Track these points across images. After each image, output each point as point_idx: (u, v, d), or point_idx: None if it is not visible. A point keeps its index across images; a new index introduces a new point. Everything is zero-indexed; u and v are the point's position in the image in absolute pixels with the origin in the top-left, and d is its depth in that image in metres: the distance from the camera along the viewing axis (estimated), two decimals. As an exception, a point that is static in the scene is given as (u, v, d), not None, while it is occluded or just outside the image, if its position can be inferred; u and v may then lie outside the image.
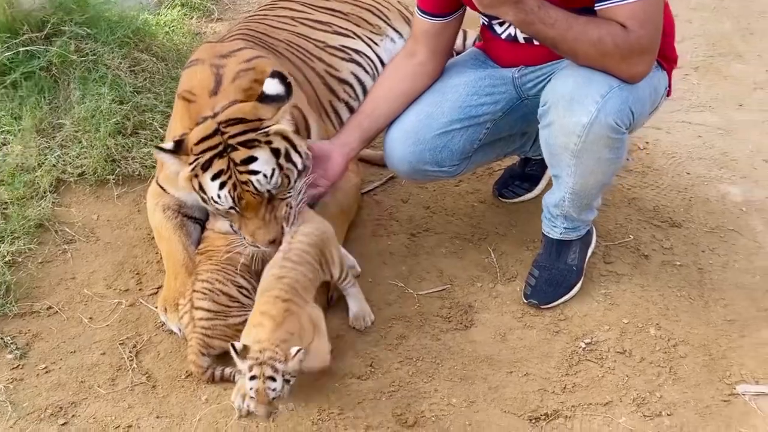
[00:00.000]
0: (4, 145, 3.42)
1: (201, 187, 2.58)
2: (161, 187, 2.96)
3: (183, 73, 2.90)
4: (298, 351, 2.19)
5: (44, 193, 3.22)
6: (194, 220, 2.98)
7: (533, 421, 2.41)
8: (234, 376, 2.49)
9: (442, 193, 3.31)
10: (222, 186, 2.53)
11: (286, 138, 2.61)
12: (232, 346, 2.19)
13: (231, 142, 2.53)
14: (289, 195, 2.63)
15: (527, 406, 2.46)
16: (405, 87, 2.79)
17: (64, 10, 3.65)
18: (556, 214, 2.75)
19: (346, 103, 3.41)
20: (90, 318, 2.77)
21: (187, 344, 2.57)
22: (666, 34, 2.62)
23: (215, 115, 2.58)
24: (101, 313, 2.79)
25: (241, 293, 2.63)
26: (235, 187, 2.53)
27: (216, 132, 2.55)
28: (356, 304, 2.73)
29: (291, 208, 2.62)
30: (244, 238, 2.61)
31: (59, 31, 3.61)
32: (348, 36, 3.57)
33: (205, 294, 2.58)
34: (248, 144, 2.53)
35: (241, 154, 2.52)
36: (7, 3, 3.54)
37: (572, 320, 2.74)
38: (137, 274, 2.95)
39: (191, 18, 4.63)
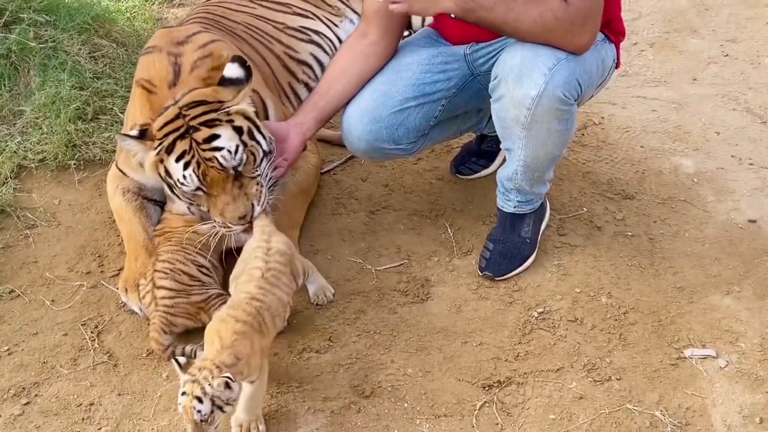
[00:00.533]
0: (-36, 132, 3.43)
1: (167, 172, 2.62)
2: (121, 171, 2.99)
3: (140, 60, 2.92)
4: (226, 377, 2.04)
5: (5, 179, 3.25)
6: (154, 202, 3.01)
7: (486, 388, 2.48)
8: (195, 353, 2.53)
9: (401, 171, 3.36)
10: (186, 166, 2.58)
11: (248, 118, 2.66)
12: (176, 360, 2.12)
13: (192, 123, 2.57)
14: (257, 173, 2.67)
15: (481, 374, 2.52)
16: (358, 67, 2.83)
17: (22, -3, 3.66)
18: (510, 187, 2.81)
19: (306, 84, 3.45)
20: (52, 300, 2.81)
21: (148, 324, 2.61)
22: (612, 7, 2.69)
23: (176, 102, 2.63)
24: (63, 296, 2.82)
25: (201, 272, 2.68)
26: (199, 165, 2.57)
27: (178, 116, 2.60)
28: (315, 281, 2.75)
29: (261, 187, 2.66)
30: (215, 221, 2.64)
31: (18, 19, 3.62)
32: (307, 17, 3.60)
33: (166, 273, 2.62)
34: (209, 123, 2.58)
35: (203, 133, 2.57)
36: (-37, -9, 3.55)
37: (526, 291, 2.81)
38: (99, 256, 2.98)
39: (152, 3, 4.62)
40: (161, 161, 2.61)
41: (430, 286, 2.84)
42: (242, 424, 2.30)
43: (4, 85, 3.53)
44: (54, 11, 3.72)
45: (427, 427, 2.37)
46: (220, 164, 2.56)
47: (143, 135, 2.62)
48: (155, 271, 2.64)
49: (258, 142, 2.67)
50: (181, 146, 2.58)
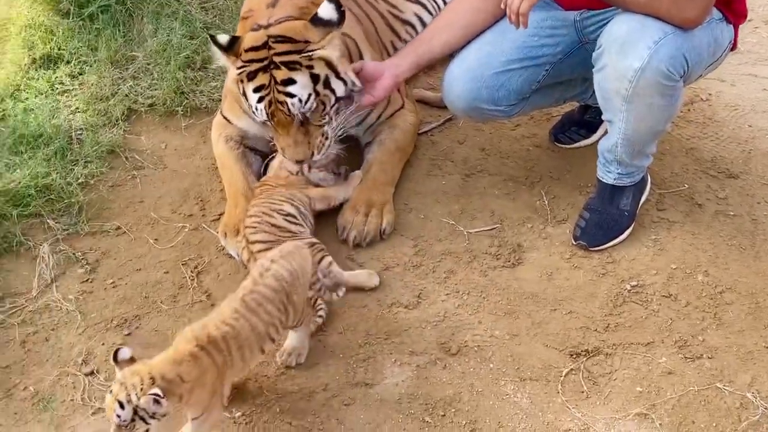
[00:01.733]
0: (81, 74, 3.58)
1: (244, 93, 2.72)
2: (225, 119, 3.08)
3: (245, 1, 2.99)
4: (154, 394, 1.92)
5: (116, 121, 3.38)
6: (255, 151, 3.10)
7: (574, 356, 2.48)
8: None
9: (499, 136, 3.34)
10: (260, 100, 2.67)
11: (329, 64, 2.70)
12: (115, 353, 2.02)
13: (276, 59, 2.64)
14: (324, 121, 2.73)
15: (569, 341, 2.52)
16: (466, 20, 2.82)
17: (140, -55, 3.78)
18: (610, 159, 2.77)
19: (408, 44, 3.45)
20: (155, 239, 2.92)
21: (245, 268, 2.69)
22: (733, -13, 2.61)
23: (268, 26, 2.69)
24: (166, 235, 2.94)
25: (289, 221, 2.72)
26: (270, 104, 2.66)
27: (265, 45, 2.66)
28: (297, 339, 2.46)
29: (326, 138, 2.73)
30: (279, 151, 2.77)
31: (135, -34, 3.74)
32: (413, -26, 3.60)
33: (255, 228, 2.69)
34: (290, 65, 2.65)
35: (282, 73, 2.64)
36: (87, -62, 3.68)
37: (620, 263, 2.78)
38: (201, 200, 3.09)
39: (262, -42, 4.69)
40: (242, 81, 2.70)
41: (522, 252, 2.84)
42: None
43: (119, 30, 3.67)
44: (169, -40, 3.83)
45: (511, 389, 2.39)
46: (289, 110, 2.65)
47: (231, 45, 2.68)
48: (245, 227, 2.72)
49: (332, 90, 2.72)
50: (261, 79, 2.66)
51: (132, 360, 2.02)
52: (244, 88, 2.70)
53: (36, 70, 3.58)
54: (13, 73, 3.53)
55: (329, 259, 2.66)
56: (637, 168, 2.80)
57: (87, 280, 2.77)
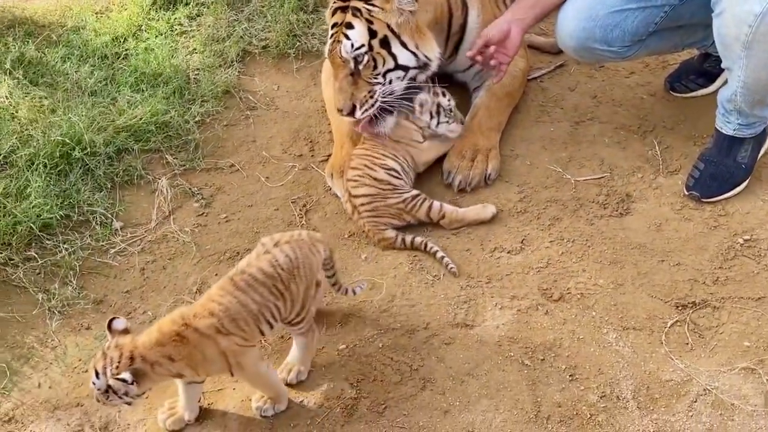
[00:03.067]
0: (198, 16, 3.69)
1: (329, 27, 2.84)
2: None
3: None
4: (122, 379, 1.96)
5: (231, 62, 3.48)
6: (365, 94, 3.14)
7: (680, 308, 2.44)
8: (425, 245, 2.64)
9: (611, 84, 3.27)
10: (331, 36, 2.78)
11: (389, 27, 2.75)
12: (109, 322, 2.06)
13: (351, 3, 2.75)
14: (377, 81, 2.77)
15: (675, 293, 2.48)
16: None
17: None
18: (730, 109, 2.67)
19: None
20: (267, 177, 3.01)
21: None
22: None
23: None
24: (277, 174, 3.03)
25: (391, 175, 2.75)
26: (334, 42, 2.76)
27: None
28: (300, 354, 2.33)
29: (371, 97, 2.76)
30: None
31: None
32: None
33: (356, 181, 2.74)
34: (354, 11, 2.75)
35: (348, 17, 2.75)
36: None
37: (733, 216, 2.69)
38: (310, 141, 3.15)
39: None
40: (330, 16, 2.82)
41: (631, 202, 2.79)
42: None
43: (235, -29, 3.75)
44: None
45: (613, 337, 2.38)
46: (339, 50, 2.73)
47: None
48: (347, 180, 2.77)
49: (392, 54, 2.76)
50: (337, 17, 2.79)
51: (126, 331, 2.05)
52: (329, 23, 2.83)
53: (156, 11, 3.70)
54: (135, 14, 3.67)
55: (438, 203, 2.69)
56: (759, 119, 2.69)
57: (202, 214, 2.89)
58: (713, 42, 2.92)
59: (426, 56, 2.83)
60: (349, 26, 2.73)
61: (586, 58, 2.88)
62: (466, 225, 2.74)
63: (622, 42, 2.75)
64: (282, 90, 3.41)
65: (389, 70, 2.79)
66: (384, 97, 2.79)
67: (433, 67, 2.86)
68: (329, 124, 3.15)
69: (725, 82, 2.72)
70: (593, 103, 3.19)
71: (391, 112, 2.82)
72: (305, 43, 3.54)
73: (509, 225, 2.74)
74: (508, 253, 2.65)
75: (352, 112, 2.77)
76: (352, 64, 2.75)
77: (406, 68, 2.81)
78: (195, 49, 3.54)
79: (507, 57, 2.82)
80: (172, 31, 3.63)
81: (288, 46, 3.51)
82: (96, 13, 3.75)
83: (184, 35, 3.62)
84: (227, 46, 3.52)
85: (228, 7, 3.66)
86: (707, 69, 3.15)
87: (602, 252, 2.62)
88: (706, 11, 2.70)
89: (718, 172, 2.73)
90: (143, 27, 3.63)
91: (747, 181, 2.76)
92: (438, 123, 2.86)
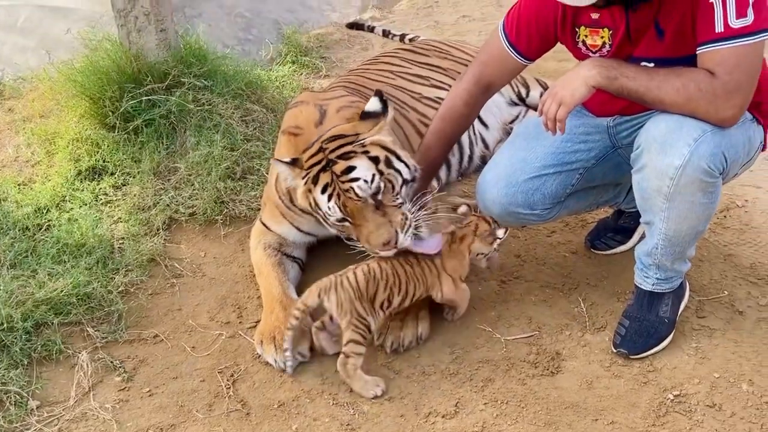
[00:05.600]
0: (124, 185, 3.70)
1: (316, 203, 2.79)
2: (265, 226, 3.15)
3: (286, 114, 3.13)
4: None
5: (157, 230, 3.46)
6: (293, 258, 3.15)
7: (617, 468, 2.40)
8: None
9: (534, 243, 3.36)
10: (330, 198, 2.74)
11: (385, 147, 2.79)
12: None
13: (331, 156, 2.75)
14: (399, 201, 2.78)
15: (612, 453, 2.45)
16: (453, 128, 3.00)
17: (185, 63, 3.95)
18: (649, 263, 2.75)
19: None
20: (192, 347, 2.93)
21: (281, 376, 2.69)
22: (763, 90, 2.64)
23: (320, 138, 2.81)
24: (203, 343, 2.95)
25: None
26: (339, 196, 2.72)
27: (320, 150, 2.78)
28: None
29: (407, 218, 2.76)
30: (365, 246, 2.75)
31: (179, 83, 3.90)
32: (444, 89, 3.72)
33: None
34: (346, 156, 2.74)
35: (340, 166, 2.72)
36: (134, 56, 3.86)
37: (661, 372, 2.72)
38: (238, 308, 3.11)
39: (301, 74, 4.88)
40: (310, 191, 2.78)
41: (561, 360, 2.79)
42: None
43: (162, 143, 3.80)
44: (212, 77, 3.99)
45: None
46: (357, 194, 2.70)
47: (294, 162, 2.81)
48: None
49: (397, 170, 2.79)
50: (324, 178, 2.75)
51: None
52: (313, 196, 2.78)
53: (81, 181, 3.70)
54: (59, 184, 3.65)
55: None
56: (676, 273, 2.78)
57: (124, 389, 2.77)
58: (625, 198, 3.08)
59: (414, 165, 2.86)
60: (349, 170, 2.71)
61: (510, 221, 2.97)
62: None
63: (543, 205, 2.85)
64: (209, 256, 3.39)
65: (401, 187, 2.80)
66: (413, 213, 2.79)
67: (417, 176, 2.89)
68: (258, 289, 3.12)
69: (641, 238, 2.82)
70: (518, 262, 3.26)
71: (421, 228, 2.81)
72: (233, 209, 3.56)
73: (443, 387, 2.70)
74: (443, 417, 2.60)
75: (396, 240, 2.71)
76: (372, 201, 2.72)
77: (407, 181, 2.83)
78: (120, 218, 3.52)
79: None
80: (96, 201, 3.61)
81: (215, 213, 3.53)
82: (19, 185, 3.72)
83: (109, 205, 3.61)
84: (153, 214, 3.51)
85: (154, 176, 3.68)
86: (623, 225, 3.28)
87: (536, 413, 2.59)
88: (617, 171, 2.85)
89: (643, 328, 2.78)
90: (67, 197, 3.61)
91: (671, 335, 2.81)
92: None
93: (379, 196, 2.72)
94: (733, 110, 2.40)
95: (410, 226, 2.75)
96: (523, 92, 4.10)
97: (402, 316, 2.89)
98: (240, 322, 3.04)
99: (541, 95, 3.91)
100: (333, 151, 2.76)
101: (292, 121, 3.02)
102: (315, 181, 2.76)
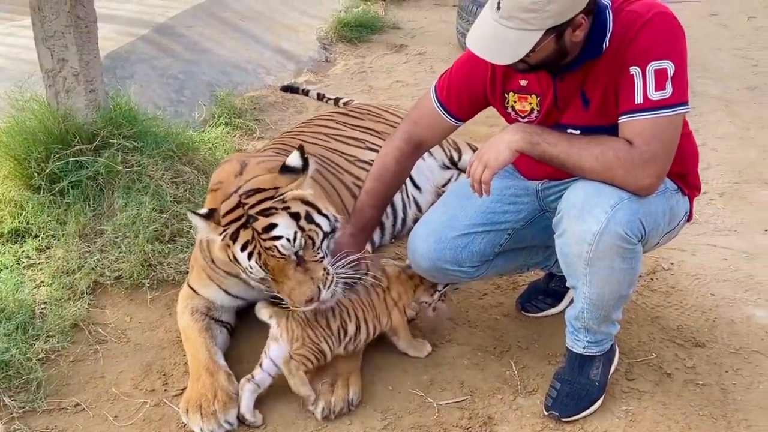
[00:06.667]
0: (48, 248, 3.59)
1: (235, 258, 2.73)
2: (192, 289, 3.07)
3: (213, 174, 3.10)
4: None
5: (81, 294, 3.35)
6: (221, 323, 3.08)
7: None
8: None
9: (466, 306, 3.36)
10: (250, 256, 2.69)
11: (305, 202, 2.76)
12: None
13: (251, 212, 2.70)
14: (320, 256, 2.75)
15: None
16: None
17: (114, 124, 3.88)
18: (578, 327, 2.77)
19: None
20: (115, 416, 2.82)
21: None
22: (689, 162, 2.74)
23: (238, 189, 2.77)
24: (126, 412, 2.84)
25: None
26: (260, 254, 2.67)
27: (238, 204, 2.73)
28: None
29: (329, 273, 2.74)
30: (287, 300, 2.73)
31: (108, 144, 3.82)
32: (378, 152, 3.72)
33: None
34: (266, 212, 2.70)
35: (261, 223, 2.68)
36: (62, 117, 3.79)
37: (592, 435, 2.72)
38: (164, 375, 3.01)
39: (234, 136, 4.87)
40: (228, 246, 2.72)
41: (493, 424, 2.77)
42: None
43: (89, 205, 3.70)
44: (142, 138, 3.93)
45: None
46: (280, 252, 2.66)
47: (210, 215, 2.75)
48: None
49: (318, 225, 2.76)
50: (245, 236, 2.70)
51: None
52: (232, 252, 2.73)
53: (3, 244, 3.57)
54: (-21, 247, 3.53)
55: None
56: (605, 336, 2.80)
57: (41, 462, 2.64)
58: (555, 262, 3.10)
59: (334, 216, 2.84)
60: (271, 227, 2.66)
61: (438, 277, 2.98)
62: None
63: (471, 262, 2.87)
64: (134, 321, 3.30)
65: (322, 241, 2.77)
66: (334, 267, 2.78)
67: (338, 227, 2.87)
68: (185, 355, 3.03)
69: (572, 301, 2.84)
70: (450, 325, 3.25)
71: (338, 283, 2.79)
72: (161, 272, 3.48)
73: (375, 454, 2.66)
74: (375, 485, 2.54)
75: (318, 296, 2.69)
76: (294, 257, 2.68)
77: (327, 234, 2.80)
78: (43, 282, 3.41)
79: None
80: (18, 264, 3.49)
81: (142, 276, 3.44)
82: (-64, 247, 3.58)
83: (32, 268, 3.49)
84: (77, 278, 3.40)
85: (80, 238, 3.58)
86: (554, 288, 3.31)
87: (469, 479, 2.56)
88: (545, 234, 2.88)
89: (574, 391, 2.79)
90: (-13, 261, 3.48)
91: (602, 398, 2.83)
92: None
93: (301, 252, 2.70)
94: (650, 179, 2.46)
95: (332, 281, 2.74)
96: (455, 156, 4.16)
97: (332, 380, 2.83)
98: (165, 390, 2.94)
99: (472, 159, 3.98)
100: (253, 206, 2.71)
101: (215, 179, 3.01)
102: (234, 237, 2.70)
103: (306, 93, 5.68)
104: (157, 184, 3.79)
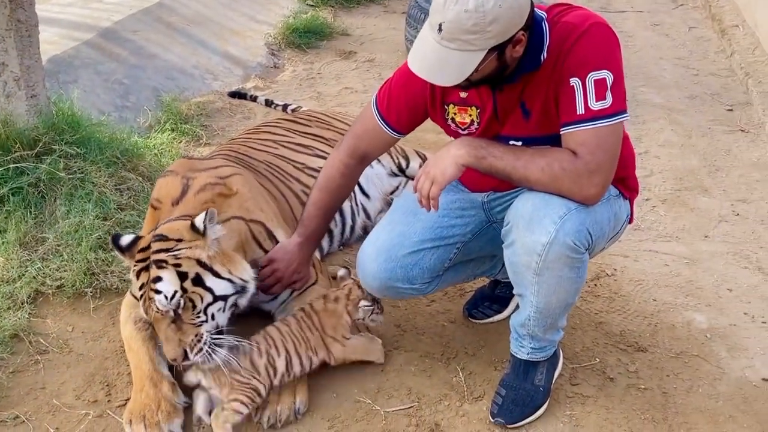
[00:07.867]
0: (-13, 257, 3.50)
1: (134, 293, 2.84)
2: (135, 298, 3.02)
3: (157, 182, 3.08)
4: None
5: (22, 303, 3.27)
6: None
7: None
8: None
9: (413, 313, 3.37)
10: (141, 297, 2.74)
11: (199, 263, 2.75)
12: None
13: (152, 257, 2.74)
14: (199, 320, 2.74)
15: None
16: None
17: (56, 130, 3.82)
18: (523, 333, 2.80)
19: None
20: (56, 428, 2.76)
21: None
22: (627, 166, 2.78)
23: (158, 227, 2.83)
24: (68, 424, 2.78)
25: None
26: (145, 301, 2.72)
27: (149, 246, 2.77)
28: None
29: (200, 340, 2.71)
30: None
31: (50, 150, 3.76)
32: (326, 159, 3.72)
33: None
34: (159, 263, 2.72)
35: (152, 272, 2.72)
36: (2, 122, 3.70)
37: (537, 440, 2.75)
38: (107, 385, 2.96)
39: (180, 142, 4.81)
40: (132, 281, 2.79)
41: (440, 431, 2.78)
42: None
43: (31, 212, 3.62)
44: (85, 144, 3.87)
45: None
46: (156, 307, 2.68)
47: (130, 247, 2.81)
48: None
49: (207, 289, 2.75)
50: (143, 278, 2.75)
51: None
52: (133, 288, 2.79)
53: (-60, 252, 3.48)
54: None
55: None
56: (550, 342, 2.84)
57: (-23, 477, 2.58)
58: (500, 269, 3.14)
59: (242, 279, 2.83)
60: (157, 279, 2.68)
61: (389, 295, 2.98)
62: None
63: (422, 279, 2.88)
64: (77, 331, 3.23)
65: (209, 305, 2.74)
66: (213, 334, 2.74)
67: (251, 287, 2.86)
68: (128, 365, 2.98)
69: (517, 307, 2.88)
70: (398, 332, 3.26)
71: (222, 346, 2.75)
72: (104, 281, 3.41)
73: (321, 463, 2.65)
74: (321, 496, 2.53)
75: (185, 358, 2.68)
76: (172, 314, 2.69)
77: (224, 297, 2.78)
78: (-19, 291, 3.32)
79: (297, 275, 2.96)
80: (-44, 280, 3.40)
81: (85, 285, 3.37)
82: None
83: (-30, 277, 3.40)
84: (18, 287, 3.32)
85: (20, 247, 3.49)
86: (499, 295, 3.34)
87: (415, 487, 2.57)
88: (493, 244, 2.90)
89: (519, 397, 2.81)
90: None
91: (546, 403, 2.86)
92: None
93: (179, 311, 2.71)
94: (596, 188, 2.50)
95: (202, 348, 2.70)
96: (404, 163, 4.18)
97: (278, 389, 2.82)
98: (108, 401, 2.89)
99: (420, 166, 4.00)
100: (155, 252, 2.75)
101: (156, 192, 3.02)
102: (137, 276, 2.77)
103: (254, 99, 5.64)
104: (100, 191, 3.72)
